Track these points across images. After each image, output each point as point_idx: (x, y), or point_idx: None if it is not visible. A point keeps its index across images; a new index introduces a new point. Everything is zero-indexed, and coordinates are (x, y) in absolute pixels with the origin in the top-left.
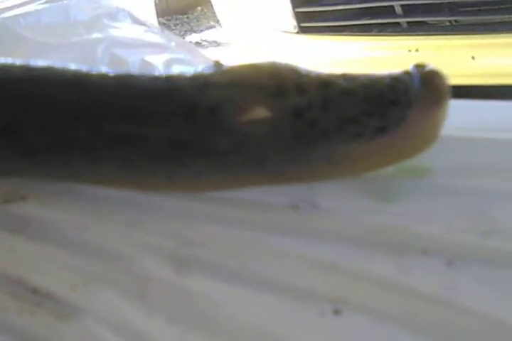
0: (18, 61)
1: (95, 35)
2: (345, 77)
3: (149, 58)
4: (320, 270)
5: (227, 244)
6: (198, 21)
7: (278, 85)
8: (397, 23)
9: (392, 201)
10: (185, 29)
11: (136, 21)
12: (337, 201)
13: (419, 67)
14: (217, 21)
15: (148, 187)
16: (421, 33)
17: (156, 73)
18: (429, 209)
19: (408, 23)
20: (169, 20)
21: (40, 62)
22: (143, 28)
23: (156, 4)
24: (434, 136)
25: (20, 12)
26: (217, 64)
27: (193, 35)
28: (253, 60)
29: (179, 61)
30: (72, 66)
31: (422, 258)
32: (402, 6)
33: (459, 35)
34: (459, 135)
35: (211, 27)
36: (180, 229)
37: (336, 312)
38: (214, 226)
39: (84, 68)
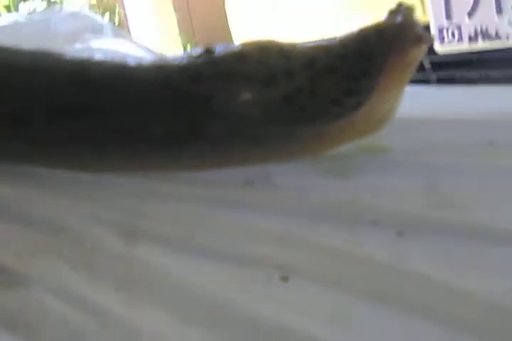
0: (24, 50)
1: (76, 46)
2: (325, 48)
3: None
4: (269, 239)
5: (177, 217)
6: None
7: (267, 74)
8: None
9: (347, 177)
10: None
11: (119, 35)
12: (291, 178)
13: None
14: None
15: (152, 170)
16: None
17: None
18: (382, 184)
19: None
20: None
21: (42, 51)
22: (126, 41)
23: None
24: (397, 102)
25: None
26: (208, 51)
27: None
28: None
29: None
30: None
31: (372, 228)
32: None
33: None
34: (416, 116)
35: None
36: (131, 203)
37: (284, 278)
38: (166, 201)
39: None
